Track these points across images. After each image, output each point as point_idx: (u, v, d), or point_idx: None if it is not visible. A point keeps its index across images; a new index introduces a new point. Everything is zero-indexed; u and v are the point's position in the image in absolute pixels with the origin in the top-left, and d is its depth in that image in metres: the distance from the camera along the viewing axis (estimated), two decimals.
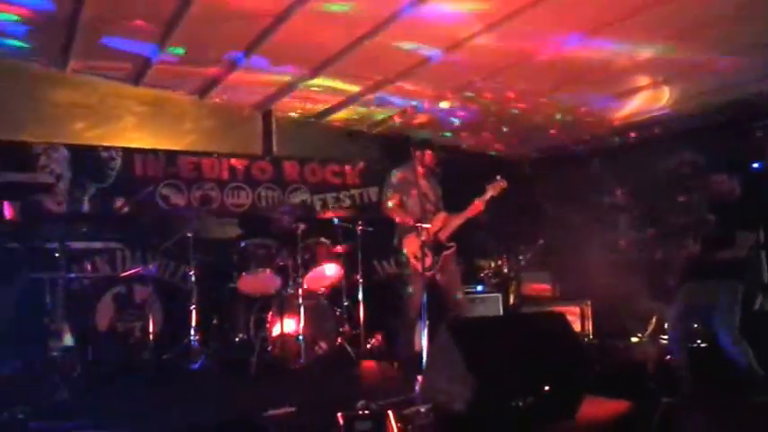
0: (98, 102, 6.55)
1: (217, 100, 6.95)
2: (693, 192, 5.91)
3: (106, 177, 6.36)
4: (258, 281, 5.72)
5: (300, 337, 5.43)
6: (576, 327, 6.34)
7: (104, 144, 6.44)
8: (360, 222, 6.15)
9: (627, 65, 5.44)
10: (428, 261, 5.00)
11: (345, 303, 6.13)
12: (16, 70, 6.15)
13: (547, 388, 3.44)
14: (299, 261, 5.68)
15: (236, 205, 6.91)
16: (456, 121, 7.19)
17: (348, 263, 6.13)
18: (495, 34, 4.99)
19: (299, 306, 5.48)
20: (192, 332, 5.55)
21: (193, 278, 5.69)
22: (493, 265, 7.04)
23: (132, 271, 5.96)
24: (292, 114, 7.37)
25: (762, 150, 6.14)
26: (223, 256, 5.99)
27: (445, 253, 5.33)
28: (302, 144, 7.45)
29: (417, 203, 5.22)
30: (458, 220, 5.39)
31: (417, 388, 3.85)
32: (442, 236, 5.34)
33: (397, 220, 5.36)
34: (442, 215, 5.39)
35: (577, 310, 6.58)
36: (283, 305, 5.53)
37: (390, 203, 5.40)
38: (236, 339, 5.69)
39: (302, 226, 5.73)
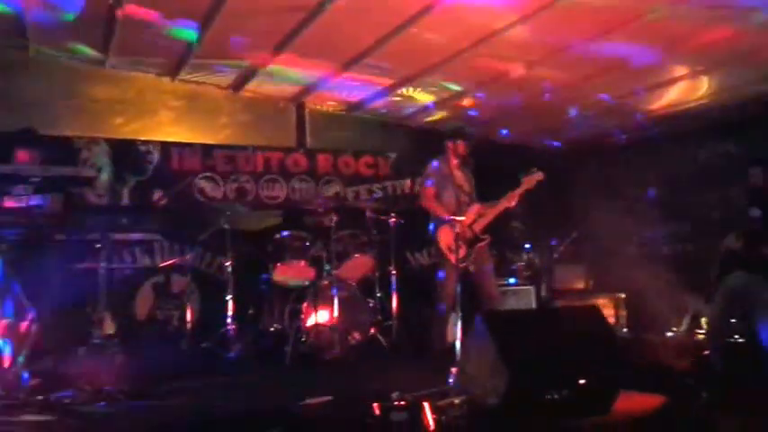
0: (136, 97, 6.70)
1: (250, 94, 7.03)
2: (731, 185, 5.80)
3: (144, 170, 6.51)
4: (293, 272, 5.81)
5: (334, 328, 5.50)
6: (610, 320, 6.28)
7: (142, 138, 6.60)
8: (392, 214, 6.19)
9: (664, 55, 5.35)
10: (462, 253, 5.01)
11: (378, 294, 6.18)
12: (58, 67, 6.31)
13: (582, 382, 3.43)
14: (333, 252, 5.74)
15: (270, 197, 7.01)
16: (489, 113, 7.15)
17: (381, 254, 6.17)
18: (530, 26, 4.96)
19: (333, 297, 5.55)
20: (229, 321, 5.66)
21: (229, 269, 5.80)
22: (525, 257, 7.00)
23: (170, 261, 6.10)
24: (325, 107, 7.42)
25: None
26: (258, 248, 6.09)
27: (479, 245, 5.33)
28: (335, 136, 7.52)
29: (453, 195, 5.23)
30: (493, 212, 5.38)
31: (451, 380, 3.88)
32: (477, 227, 5.35)
33: (433, 211, 5.38)
34: (476, 206, 5.39)
35: (611, 303, 6.52)
36: (317, 296, 5.60)
37: (427, 194, 5.42)
38: (271, 329, 5.78)
39: (335, 218, 5.79)
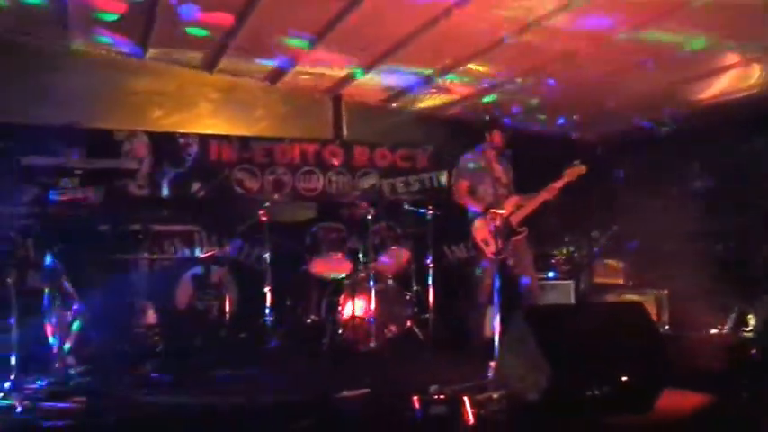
0: (175, 89, 6.77)
1: (287, 86, 7.05)
2: None
3: (183, 162, 6.59)
4: (330, 264, 5.84)
5: (371, 320, 5.50)
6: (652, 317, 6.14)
7: (181, 131, 6.68)
8: (429, 206, 6.15)
9: (713, 42, 5.18)
10: (499, 246, 4.94)
11: (415, 287, 6.16)
12: (98, 60, 6.42)
13: (624, 379, 3.37)
14: (370, 245, 5.74)
15: (307, 189, 7.04)
16: (529, 104, 7.04)
17: (417, 247, 6.14)
18: (571, 14, 4.85)
19: (370, 289, 5.55)
20: (267, 313, 5.71)
21: (267, 260, 5.84)
22: (565, 251, 6.89)
23: (209, 253, 6.17)
24: (362, 99, 7.40)
25: None
26: (295, 240, 6.12)
27: (515, 238, 5.26)
28: (371, 128, 7.49)
29: (490, 188, 5.16)
30: (531, 205, 5.29)
31: (490, 374, 3.84)
32: (514, 220, 5.27)
33: (468, 205, 5.32)
34: (514, 199, 5.31)
35: (652, 299, 6.38)
36: (354, 288, 5.61)
37: (460, 189, 5.37)
38: (309, 321, 5.82)
39: (372, 210, 5.78)
